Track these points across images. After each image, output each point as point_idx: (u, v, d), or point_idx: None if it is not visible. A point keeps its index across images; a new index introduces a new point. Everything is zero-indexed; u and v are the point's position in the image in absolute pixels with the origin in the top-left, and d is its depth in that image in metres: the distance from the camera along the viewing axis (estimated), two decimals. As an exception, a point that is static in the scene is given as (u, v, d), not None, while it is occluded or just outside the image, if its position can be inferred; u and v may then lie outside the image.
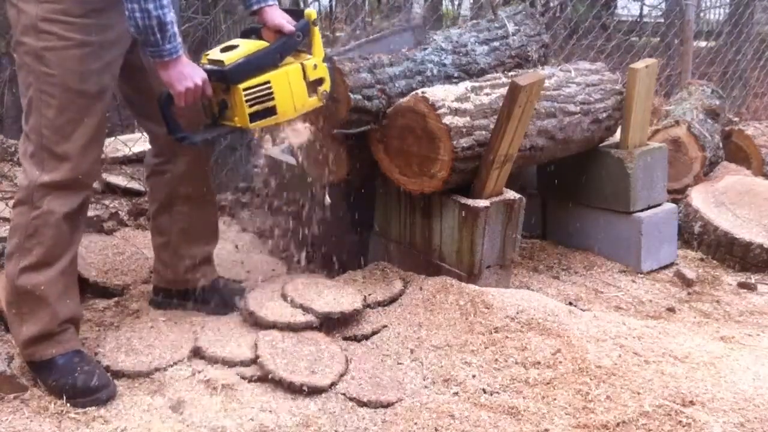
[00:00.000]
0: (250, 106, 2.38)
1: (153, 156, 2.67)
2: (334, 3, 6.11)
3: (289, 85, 2.45)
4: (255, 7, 2.52)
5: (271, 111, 2.43)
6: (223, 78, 2.35)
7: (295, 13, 2.54)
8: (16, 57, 2.28)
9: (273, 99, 2.41)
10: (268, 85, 2.40)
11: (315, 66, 2.50)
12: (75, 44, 2.21)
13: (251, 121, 2.39)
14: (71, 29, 2.20)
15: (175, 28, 2.18)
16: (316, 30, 2.52)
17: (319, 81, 2.53)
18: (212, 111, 2.44)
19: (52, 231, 2.27)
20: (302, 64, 2.48)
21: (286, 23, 2.49)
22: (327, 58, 2.57)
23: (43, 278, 2.28)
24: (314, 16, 2.52)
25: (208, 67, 2.36)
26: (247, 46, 2.44)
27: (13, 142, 4.18)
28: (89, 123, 2.27)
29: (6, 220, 3.33)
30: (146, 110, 2.51)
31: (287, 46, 2.48)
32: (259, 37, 2.52)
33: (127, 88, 2.52)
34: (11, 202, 3.40)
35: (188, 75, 2.24)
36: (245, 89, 2.36)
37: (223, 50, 2.43)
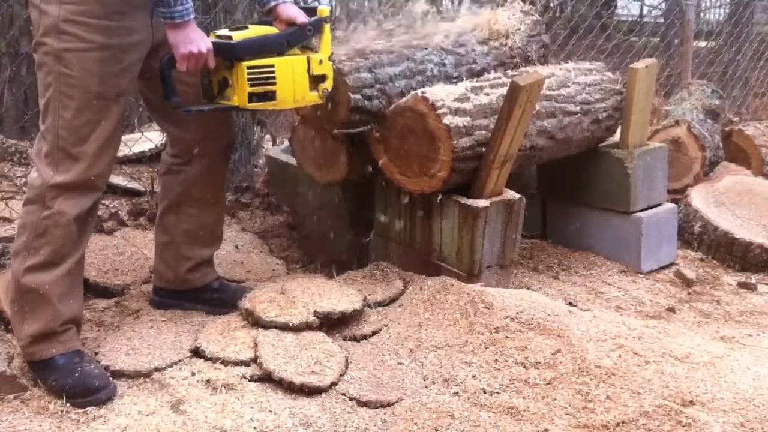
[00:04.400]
0: (251, 86, 2.38)
1: (171, 156, 2.67)
2: (334, 3, 6.10)
3: (292, 75, 2.46)
4: (272, 4, 2.52)
5: (271, 96, 2.43)
6: (230, 51, 2.37)
7: (309, 10, 2.55)
8: (36, 57, 2.28)
9: (274, 84, 2.42)
10: (271, 69, 2.41)
11: (320, 62, 2.51)
12: (95, 46, 2.22)
13: (249, 101, 2.40)
14: (92, 31, 2.21)
15: None
16: (327, 27, 2.52)
17: (322, 78, 2.53)
18: (211, 90, 2.45)
19: (61, 232, 2.26)
20: (308, 57, 2.49)
21: (300, 16, 2.50)
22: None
23: (48, 278, 2.28)
24: (327, 13, 2.53)
25: (216, 40, 2.38)
26: (256, 29, 2.46)
27: (13, 142, 4.16)
28: (106, 125, 2.27)
29: (5, 219, 3.33)
30: (166, 113, 2.52)
31: (296, 36, 2.49)
32: None
33: (148, 91, 2.53)
34: (11, 202, 3.42)
35: (194, 40, 2.26)
36: (249, 67, 2.37)
37: (232, 29, 2.45)
